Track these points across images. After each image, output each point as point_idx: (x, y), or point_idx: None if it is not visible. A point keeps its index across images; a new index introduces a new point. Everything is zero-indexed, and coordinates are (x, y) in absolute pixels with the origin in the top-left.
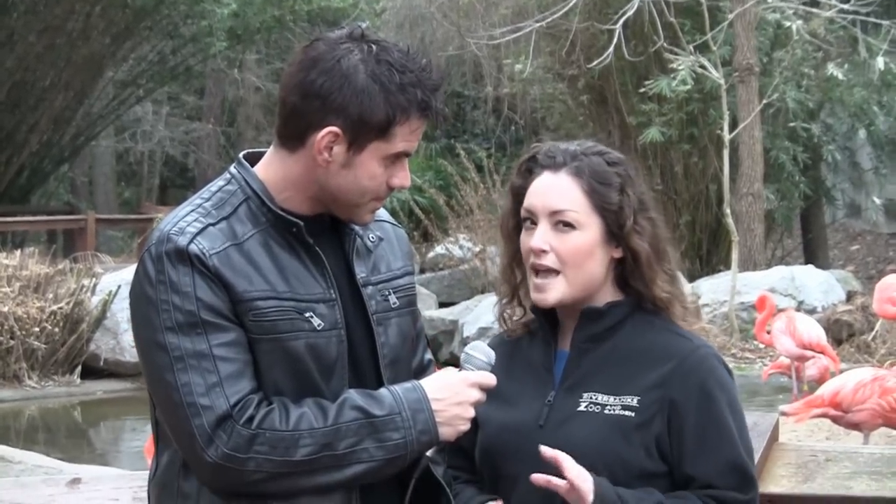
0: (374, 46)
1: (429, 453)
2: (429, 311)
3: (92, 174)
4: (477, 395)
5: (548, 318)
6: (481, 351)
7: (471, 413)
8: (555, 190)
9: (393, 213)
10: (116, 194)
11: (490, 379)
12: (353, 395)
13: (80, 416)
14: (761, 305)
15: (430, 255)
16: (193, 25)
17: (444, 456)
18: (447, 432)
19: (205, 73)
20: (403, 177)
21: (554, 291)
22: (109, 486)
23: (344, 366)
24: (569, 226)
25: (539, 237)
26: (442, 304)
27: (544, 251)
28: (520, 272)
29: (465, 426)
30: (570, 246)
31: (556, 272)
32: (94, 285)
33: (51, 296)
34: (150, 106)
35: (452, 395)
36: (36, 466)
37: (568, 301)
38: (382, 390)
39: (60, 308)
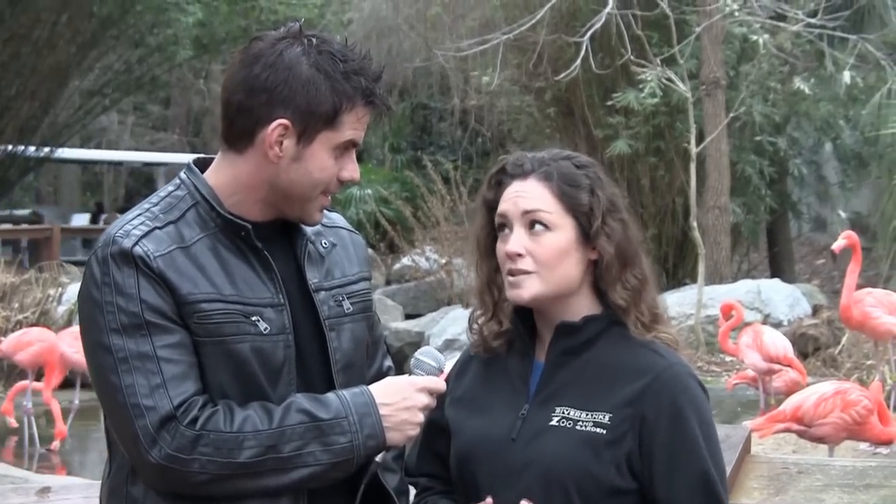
0: (313, 39)
1: (379, 459)
2: (395, 322)
3: (57, 184)
4: (426, 400)
5: (526, 328)
6: (431, 356)
7: (420, 418)
8: (525, 193)
9: (359, 224)
10: (81, 204)
11: (439, 384)
12: (300, 399)
13: (47, 426)
14: (726, 312)
15: (396, 266)
16: (159, 35)
17: (401, 462)
18: (396, 437)
19: (170, 83)
20: (353, 169)
21: (529, 288)
22: (79, 496)
23: (291, 371)
24: (543, 226)
25: (514, 241)
26: (408, 316)
27: (520, 255)
28: (497, 288)
29: (415, 431)
30: (544, 248)
31: (531, 272)
32: (60, 295)
33: (16, 305)
34: (116, 115)
35: (401, 400)
36: (2, 476)
37: (543, 299)
38: (329, 394)
39: (26, 317)
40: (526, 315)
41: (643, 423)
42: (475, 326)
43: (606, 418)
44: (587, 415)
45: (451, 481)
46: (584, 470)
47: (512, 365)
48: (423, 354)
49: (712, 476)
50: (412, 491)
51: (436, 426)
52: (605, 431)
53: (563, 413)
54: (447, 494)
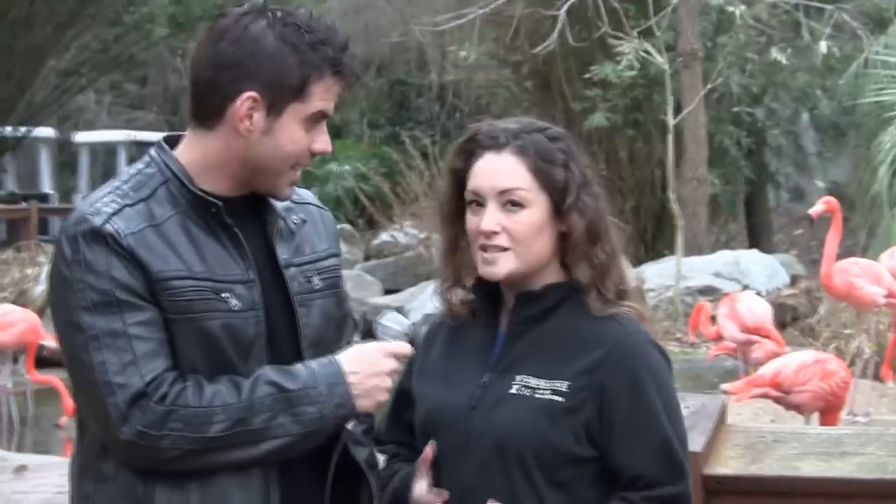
0: (278, 13)
1: (350, 426)
2: (374, 297)
3: (34, 164)
4: (394, 365)
5: (490, 298)
6: (395, 320)
7: (388, 383)
8: (501, 170)
9: (337, 200)
10: (59, 184)
11: (406, 348)
12: (267, 371)
13: (24, 405)
14: (696, 317)
15: (375, 242)
16: (135, 13)
17: (371, 437)
18: (366, 404)
19: (147, 62)
20: (324, 141)
21: (503, 264)
22: (56, 473)
23: (262, 347)
24: (517, 205)
25: (489, 218)
26: (387, 291)
27: (495, 232)
28: (461, 254)
29: (384, 396)
30: (520, 224)
31: (506, 248)
32: (38, 275)
33: None
34: (93, 95)
35: (369, 367)
36: None
37: (517, 274)
38: (297, 365)
39: (4, 297)
40: (493, 283)
41: (602, 392)
42: (440, 293)
43: (565, 386)
44: (546, 383)
45: (416, 447)
46: (542, 438)
47: (476, 334)
48: (387, 320)
49: (673, 443)
50: (381, 459)
51: (405, 395)
52: (563, 399)
53: (523, 381)
54: (413, 461)
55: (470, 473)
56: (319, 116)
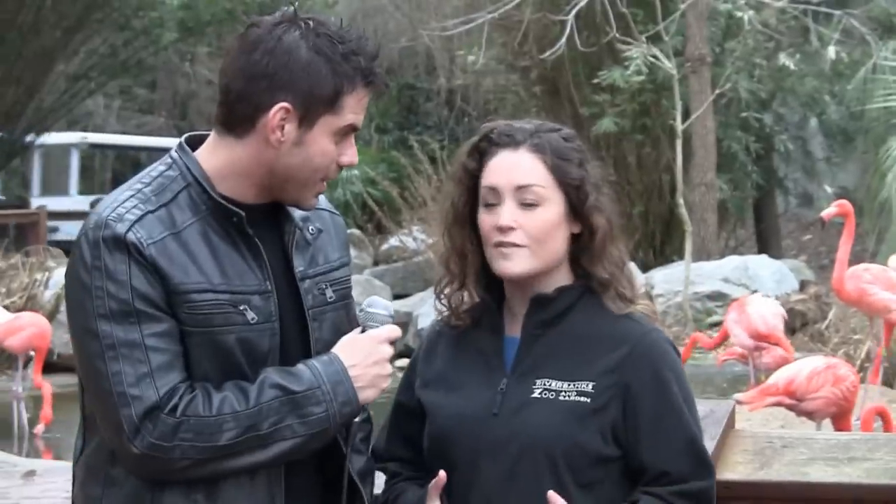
0: (310, 22)
1: (358, 420)
2: None
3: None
4: (390, 350)
5: (496, 303)
6: (380, 305)
7: (389, 369)
8: (518, 166)
9: (346, 205)
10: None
11: (396, 331)
12: (271, 374)
13: (34, 410)
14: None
15: (384, 247)
16: (144, 18)
17: (368, 444)
18: (370, 394)
19: (156, 67)
20: (352, 154)
21: (519, 262)
22: (64, 479)
23: (276, 359)
24: (534, 202)
25: (507, 214)
26: (396, 296)
27: (512, 228)
28: (470, 258)
29: (386, 383)
30: (536, 222)
31: (521, 246)
32: (48, 279)
33: (3, 290)
34: (102, 99)
35: (367, 357)
36: None
37: (532, 273)
38: (300, 366)
39: (13, 302)
40: (495, 289)
41: (627, 391)
42: (443, 298)
43: (590, 387)
44: (569, 385)
45: (419, 465)
46: (571, 439)
47: (482, 341)
48: (370, 306)
49: (699, 439)
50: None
51: (405, 409)
52: (589, 400)
53: (545, 385)
54: (415, 480)
55: (496, 480)
56: (350, 130)
